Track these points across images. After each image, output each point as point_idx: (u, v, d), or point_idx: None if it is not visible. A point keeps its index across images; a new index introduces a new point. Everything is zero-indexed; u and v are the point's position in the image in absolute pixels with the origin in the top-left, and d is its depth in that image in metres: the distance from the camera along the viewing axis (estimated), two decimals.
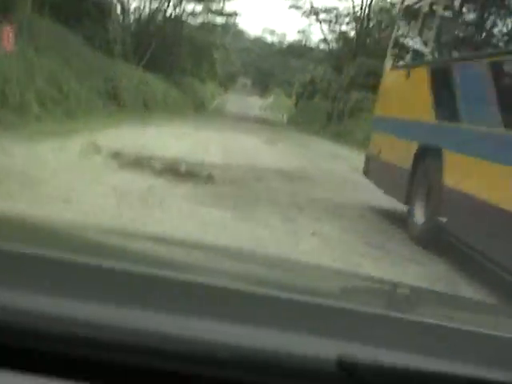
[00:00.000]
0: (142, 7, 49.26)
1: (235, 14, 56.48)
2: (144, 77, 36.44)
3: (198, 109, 49.84)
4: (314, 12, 47.29)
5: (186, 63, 60.17)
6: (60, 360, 0.94)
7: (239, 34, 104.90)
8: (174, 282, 1.35)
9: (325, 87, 61.76)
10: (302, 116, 50.36)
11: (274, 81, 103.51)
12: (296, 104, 70.92)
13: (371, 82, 31.17)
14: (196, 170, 11.07)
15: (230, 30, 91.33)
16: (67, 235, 1.93)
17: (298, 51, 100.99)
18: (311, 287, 1.82)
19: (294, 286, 1.79)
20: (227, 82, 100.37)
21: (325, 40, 48.97)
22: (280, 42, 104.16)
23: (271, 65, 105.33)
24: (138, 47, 44.79)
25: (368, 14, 44.38)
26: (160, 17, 49.96)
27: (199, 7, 55.67)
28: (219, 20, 62.84)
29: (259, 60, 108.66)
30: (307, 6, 48.36)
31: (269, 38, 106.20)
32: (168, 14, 54.05)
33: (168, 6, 49.51)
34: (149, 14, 49.17)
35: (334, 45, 54.34)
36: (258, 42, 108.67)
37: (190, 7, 55.52)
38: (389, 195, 9.41)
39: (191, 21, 61.10)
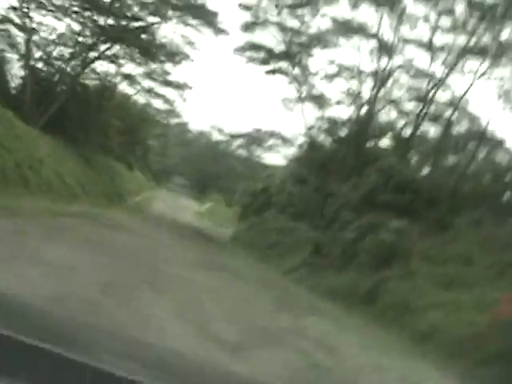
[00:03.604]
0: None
1: (186, 85, 42.82)
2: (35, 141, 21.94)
3: (113, 200, 34.80)
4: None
5: (110, 140, 46.21)
6: None
7: (182, 125, 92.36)
8: None
9: (282, 201, 49.00)
10: (255, 235, 35.83)
11: (215, 185, 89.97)
12: (240, 217, 57.14)
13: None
14: None
15: (172, 116, 78.74)
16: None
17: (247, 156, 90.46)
18: None
19: None
20: (161, 177, 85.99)
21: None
22: (228, 142, 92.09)
23: (214, 166, 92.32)
24: (41, 101, 30.59)
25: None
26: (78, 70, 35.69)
27: (139, 70, 41.89)
28: (160, 104, 48.88)
29: (200, 159, 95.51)
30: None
31: (216, 136, 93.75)
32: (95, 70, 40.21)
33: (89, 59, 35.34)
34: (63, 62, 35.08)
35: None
36: (203, 137, 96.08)
37: (127, 68, 41.60)
38: None
39: (128, 91, 47.54)
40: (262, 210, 51.33)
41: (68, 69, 35.57)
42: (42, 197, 19.53)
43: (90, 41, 35.41)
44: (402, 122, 33.33)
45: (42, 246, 10.68)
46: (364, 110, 31.74)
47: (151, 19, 35.89)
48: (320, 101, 33.16)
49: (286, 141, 37.69)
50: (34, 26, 34.06)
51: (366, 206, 21.80)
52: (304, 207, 46.00)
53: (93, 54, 36.28)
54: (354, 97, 31.40)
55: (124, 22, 36.10)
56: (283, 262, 25.99)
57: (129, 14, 35.99)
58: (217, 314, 10.57)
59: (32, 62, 34.57)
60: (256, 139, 37.90)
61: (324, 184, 34.22)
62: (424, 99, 30.50)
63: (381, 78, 31.42)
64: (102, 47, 36.48)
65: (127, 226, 21.43)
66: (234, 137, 37.86)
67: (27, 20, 33.21)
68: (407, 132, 32.23)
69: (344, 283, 18.20)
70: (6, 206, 14.53)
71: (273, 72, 33.64)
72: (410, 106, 32.47)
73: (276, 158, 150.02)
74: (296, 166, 50.89)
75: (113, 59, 39.89)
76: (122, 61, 40.46)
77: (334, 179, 34.25)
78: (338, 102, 32.18)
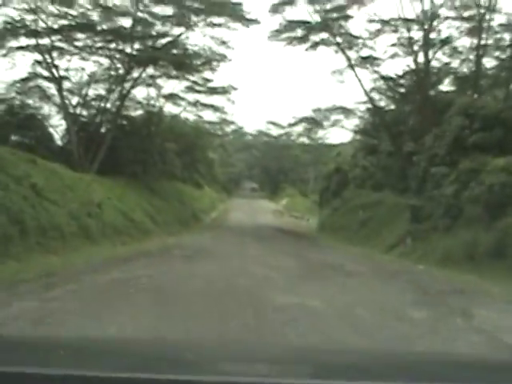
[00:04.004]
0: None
1: (231, 88, 41.01)
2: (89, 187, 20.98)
3: (188, 224, 33.53)
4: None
5: (170, 165, 45.27)
6: None
7: (238, 130, 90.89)
8: (177, 382, 1.61)
9: (359, 175, 46.56)
10: (340, 218, 33.62)
11: (285, 180, 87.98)
12: (320, 203, 55.07)
13: None
14: None
15: (226, 124, 77.49)
16: (65, 351, 2.20)
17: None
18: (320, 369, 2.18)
19: (303, 370, 2.18)
20: (230, 187, 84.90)
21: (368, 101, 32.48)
22: (287, 134, 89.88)
23: (279, 162, 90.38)
24: (89, 146, 29.77)
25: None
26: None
27: (180, 86, 40.58)
28: (210, 114, 47.30)
29: (264, 158, 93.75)
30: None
31: (273, 132, 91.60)
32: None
33: (125, 90, 34.33)
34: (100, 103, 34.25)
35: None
36: (261, 137, 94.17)
37: (167, 89, 40.38)
38: None
39: (174, 110, 46.41)
40: (341, 191, 49.17)
41: (108, 105, 34.58)
42: (108, 242, 18.32)
43: (121, 71, 34.25)
44: (459, 61, 30.32)
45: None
46: (419, 58, 28.91)
47: (177, 31, 34.35)
48: (371, 62, 30.58)
49: (348, 112, 34.61)
50: (62, 73, 33.26)
51: (456, 154, 19.32)
52: (383, 176, 43.66)
53: (128, 85, 35.12)
54: (406, 46, 28.65)
55: (150, 43, 34.76)
56: (380, 238, 23.75)
57: (153, 33, 34.59)
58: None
59: (71, 110, 33.85)
60: (317, 120, 35.26)
61: (397, 147, 31.63)
62: (479, 29, 27.42)
63: (428, 19, 28.58)
64: (135, 74, 35.29)
65: (207, 249, 19.91)
66: (293, 125, 35.54)
67: (54, 70, 32.40)
68: (467, 70, 29.33)
69: (459, 244, 15.88)
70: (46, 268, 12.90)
71: (315, 45, 31.27)
72: (465, 41, 29.54)
73: (340, 135, 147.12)
74: (363, 137, 48.50)
75: (149, 83, 38.74)
76: (160, 82, 39.27)
77: (406, 139, 31.65)
78: (393, 56, 29.42)
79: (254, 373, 2.03)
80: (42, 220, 14.83)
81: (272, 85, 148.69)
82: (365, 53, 30.82)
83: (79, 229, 17.06)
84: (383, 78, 29.41)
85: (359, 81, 30.33)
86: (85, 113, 34.90)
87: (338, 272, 15.15)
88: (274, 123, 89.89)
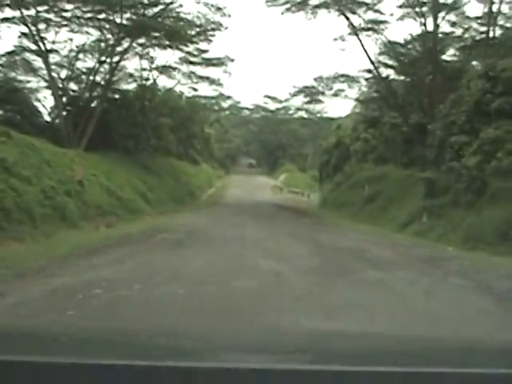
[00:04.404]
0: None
1: (227, 59, 38.94)
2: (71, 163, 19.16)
3: (183, 201, 31.86)
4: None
5: (165, 140, 43.53)
6: None
7: (235, 105, 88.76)
8: (176, 369, 1.60)
9: (361, 149, 44.83)
10: (343, 194, 31.91)
11: (283, 155, 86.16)
12: (321, 179, 53.45)
13: None
14: None
15: (222, 99, 75.33)
16: (67, 339, 2.25)
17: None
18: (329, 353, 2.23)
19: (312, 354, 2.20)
20: (227, 163, 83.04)
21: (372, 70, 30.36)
22: (285, 108, 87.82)
23: (277, 137, 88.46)
24: (78, 121, 28.10)
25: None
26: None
27: (174, 58, 38.65)
28: (206, 87, 45.13)
29: (262, 133, 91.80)
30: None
31: (270, 106, 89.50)
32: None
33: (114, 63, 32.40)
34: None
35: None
36: (258, 110, 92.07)
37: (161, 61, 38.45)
38: None
39: (169, 84, 44.57)
40: (342, 165, 47.51)
41: (98, 79, 32.62)
42: (90, 224, 16.48)
43: (111, 43, 32.22)
44: (467, 25, 28.35)
45: None
46: (428, 22, 26.92)
47: None
48: (377, 25, 28.52)
49: (351, 80, 32.30)
50: (50, 45, 31.36)
51: (477, 122, 17.55)
52: (385, 149, 41.97)
53: (118, 56, 33.15)
54: (415, 6, 26.60)
55: (141, 11, 32.66)
56: (389, 215, 22.07)
57: (144, 1, 32.48)
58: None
59: (60, 85, 31.95)
60: (318, 89, 33.10)
61: (404, 117, 29.81)
62: None
63: None
64: (126, 45, 33.32)
65: (201, 230, 18.01)
66: (293, 95, 33.34)
67: (40, 42, 30.39)
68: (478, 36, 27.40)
69: (486, 222, 14.17)
70: None
71: (315, 10, 29.06)
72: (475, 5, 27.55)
73: (339, 108, 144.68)
74: (366, 107, 46.68)
75: (141, 54, 36.78)
76: (153, 53, 37.35)
77: (414, 108, 29.83)
78: (401, 18, 27.29)
79: (253, 360, 2.03)
80: (8, 200, 12.89)
81: (269, 57, 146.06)
82: (369, 16, 28.78)
83: (54, 210, 15.06)
84: (390, 42, 27.39)
85: (363, 47, 28.37)
86: (75, 87, 33.14)
87: (361, 262, 12.40)
88: (271, 97, 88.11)
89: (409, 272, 11.06)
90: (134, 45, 34.12)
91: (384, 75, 29.49)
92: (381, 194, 25.42)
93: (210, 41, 36.84)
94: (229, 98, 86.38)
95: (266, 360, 2.06)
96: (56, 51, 32.82)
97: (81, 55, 33.70)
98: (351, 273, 10.69)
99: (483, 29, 26.83)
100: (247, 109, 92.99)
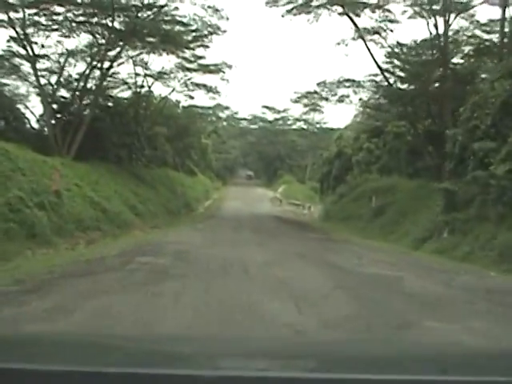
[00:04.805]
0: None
1: (225, 65, 37.24)
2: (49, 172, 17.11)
3: (178, 214, 30.11)
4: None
5: (161, 150, 41.94)
6: None
7: (232, 116, 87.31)
8: (175, 377, 1.63)
9: (364, 159, 43.21)
10: (346, 207, 30.15)
11: (282, 166, 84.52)
12: (321, 190, 51.82)
13: None
14: None
15: (220, 110, 73.81)
16: (67, 347, 2.29)
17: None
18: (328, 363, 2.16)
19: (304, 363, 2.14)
20: (224, 175, 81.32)
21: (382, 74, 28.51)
22: (283, 119, 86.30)
23: (275, 148, 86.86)
24: (67, 128, 26.52)
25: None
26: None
27: (170, 65, 37.04)
28: (203, 95, 43.34)
29: (259, 144, 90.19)
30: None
31: (268, 116, 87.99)
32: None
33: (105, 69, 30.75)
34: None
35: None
36: (256, 121, 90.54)
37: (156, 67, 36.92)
38: None
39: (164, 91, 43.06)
40: (343, 176, 45.87)
41: (89, 85, 30.88)
42: (67, 241, 14.45)
43: (103, 47, 30.53)
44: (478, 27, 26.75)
45: None
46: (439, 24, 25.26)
47: (163, 1, 30.61)
48: (385, 26, 26.83)
49: (357, 86, 30.28)
50: (40, 50, 29.74)
51: (504, 126, 15.81)
52: (390, 159, 40.37)
53: (111, 61, 31.48)
54: (423, 5, 24.90)
55: (134, 14, 31.02)
56: (402, 230, 20.27)
57: (137, 3, 30.85)
58: None
59: (50, 91, 30.26)
60: (322, 95, 31.08)
61: (412, 125, 28.13)
62: None
63: None
64: (118, 50, 31.67)
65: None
66: (296, 101, 31.37)
67: (28, 47, 28.73)
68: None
69: None
70: None
71: (319, 8, 27.34)
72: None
73: (338, 119, 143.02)
74: (371, 114, 45.21)
75: (135, 59, 35.18)
76: (147, 58, 35.73)
77: (421, 116, 28.16)
78: (413, 16, 25.55)
79: (253, 367, 2.02)
80: None
81: (267, 66, 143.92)
82: (377, 17, 27.06)
83: (20, 225, 12.99)
84: (399, 44, 25.70)
85: (369, 50, 26.70)
86: (66, 94, 31.41)
87: (407, 301, 9.28)
88: (269, 107, 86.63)
89: (484, 321, 7.84)
90: (128, 50, 32.50)
91: (391, 80, 27.72)
92: (390, 207, 23.70)
93: (207, 47, 35.31)
94: (226, 108, 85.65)
95: (264, 367, 2.03)
96: (46, 56, 31.26)
97: (72, 60, 32.03)
98: (406, 327, 7.42)
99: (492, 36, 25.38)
100: (245, 119, 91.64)
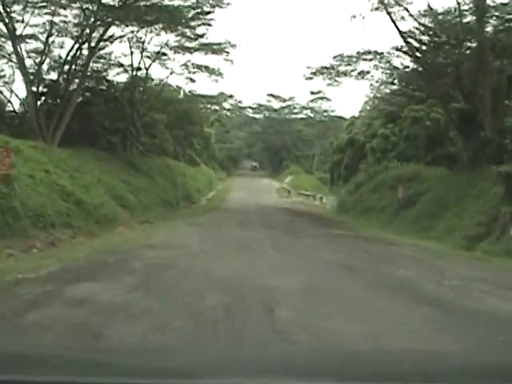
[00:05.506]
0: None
1: (228, 44, 34.02)
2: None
3: (177, 206, 27.08)
4: None
5: (160, 138, 39.02)
6: None
7: (236, 105, 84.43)
8: None
9: (379, 146, 40.13)
10: (366, 198, 26.97)
11: (288, 157, 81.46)
12: (332, 181, 48.85)
13: None
14: None
15: (223, 98, 70.82)
16: (66, 359, 2.28)
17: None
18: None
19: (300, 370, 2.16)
20: (229, 165, 78.23)
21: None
22: (289, 108, 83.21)
23: (281, 138, 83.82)
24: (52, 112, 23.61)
25: None
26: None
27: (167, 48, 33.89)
28: (205, 78, 40.05)
29: (265, 133, 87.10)
30: None
31: (274, 105, 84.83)
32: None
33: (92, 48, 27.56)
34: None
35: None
36: (261, 110, 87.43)
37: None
38: None
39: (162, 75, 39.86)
40: (355, 165, 42.89)
41: (74, 67, 27.62)
42: (13, 244, 11.30)
43: (91, 23, 27.33)
44: None
45: None
46: None
47: None
48: None
49: (381, 59, 26.28)
50: (28, 30, 26.80)
51: None
52: (407, 146, 37.45)
53: (103, 40, 28.38)
54: None
55: None
56: (446, 225, 16.90)
57: None
58: None
59: (36, 72, 27.19)
60: (339, 70, 27.39)
61: (443, 105, 24.90)
62: None
63: None
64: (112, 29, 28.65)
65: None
66: (309, 78, 27.86)
67: (11, 26, 25.72)
68: None
69: None
70: None
71: None
72: None
73: (346, 107, 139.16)
74: (381, 102, 42.30)
75: (129, 37, 32.04)
76: (143, 36, 32.57)
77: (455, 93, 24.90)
78: None
79: (255, 378, 2.03)
80: None
81: (273, 49, 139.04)
82: None
83: None
84: (430, 8, 22.31)
85: (393, 21, 23.35)
86: (55, 76, 28.29)
87: None
88: (274, 96, 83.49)
89: None
90: (119, 26, 29.35)
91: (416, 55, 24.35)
92: (420, 197, 20.53)
93: (210, 25, 32.18)
94: (230, 97, 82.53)
95: (266, 378, 2.02)
96: (34, 36, 28.27)
97: (59, 39, 28.89)
98: None
99: None
100: (250, 108, 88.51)
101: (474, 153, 21.55)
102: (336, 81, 27.33)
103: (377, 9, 24.55)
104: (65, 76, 27.66)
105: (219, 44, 34.55)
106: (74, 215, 14.09)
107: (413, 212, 19.91)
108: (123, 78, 36.16)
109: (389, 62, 27.61)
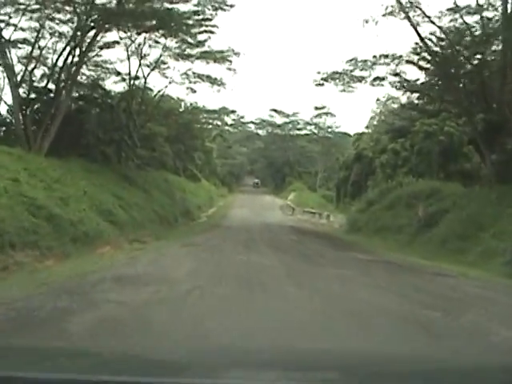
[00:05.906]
0: None
1: (232, 52, 32.19)
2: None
3: (174, 223, 25.06)
4: None
5: (159, 152, 37.29)
6: None
7: (238, 120, 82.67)
8: None
9: (388, 162, 38.22)
10: (379, 217, 24.87)
11: (291, 173, 79.56)
12: (338, 198, 46.90)
13: None
14: None
15: (225, 113, 68.94)
16: (68, 357, 2.27)
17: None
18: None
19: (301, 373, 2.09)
20: (230, 182, 76.23)
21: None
22: (292, 123, 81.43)
23: (284, 154, 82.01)
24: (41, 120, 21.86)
25: None
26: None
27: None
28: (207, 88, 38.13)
29: (267, 149, 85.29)
30: None
31: (277, 120, 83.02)
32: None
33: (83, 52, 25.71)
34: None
35: None
36: (264, 125, 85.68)
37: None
38: None
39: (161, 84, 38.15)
40: (364, 182, 41.02)
41: (65, 72, 25.67)
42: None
43: (82, 25, 25.45)
44: None
45: None
46: None
47: None
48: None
49: (399, 62, 23.98)
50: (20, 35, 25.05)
51: None
52: (420, 162, 35.65)
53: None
54: None
55: None
56: (482, 248, 14.70)
57: None
58: None
59: (26, 78, 25.34)
60: (354, 75, 25.24)
61: (468, 115, 22.92)
62: None
63: None
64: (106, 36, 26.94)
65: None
66: (319, 84, 25.64)
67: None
68: None
69: None
70: None
71: None
72: None
73: (351, 124, 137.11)
74: (393, 115, 40.64)
75: (126, 44, 30.24)
76: (141, 44, 30.75)
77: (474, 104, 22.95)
78: None
79: (256, 378, 1.99)
80: None
81: (276, 63, 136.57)
82: None
83: None
84: (456, 5, 20.34)
85: (412, 25, 21.40)
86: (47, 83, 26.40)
87: None
88: (277, 111, 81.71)
89: None
90: (112, 31, 27.58)
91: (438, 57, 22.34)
92: (444, 216, 18.44)
93: (212, 32, 30.41)
94: (232, 112, 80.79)
95: (267, 378, 2.00)
96: (27, 41, 26.51)
97: (50, 45, 27.02)
98: None
99: None
100: (252, 123, 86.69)
101: (500, 167, 19.60)
102: (350, 86, 25.35)
103: (391, 13, 22.69)
104: (55, 82, 25.87)
105: (222, 52, 32.73)
106: (43, 233, 11.68)
107: (438, 232, 17.73)
108: (121, 87, 34.56)
109: (398, 74, 25.70)
